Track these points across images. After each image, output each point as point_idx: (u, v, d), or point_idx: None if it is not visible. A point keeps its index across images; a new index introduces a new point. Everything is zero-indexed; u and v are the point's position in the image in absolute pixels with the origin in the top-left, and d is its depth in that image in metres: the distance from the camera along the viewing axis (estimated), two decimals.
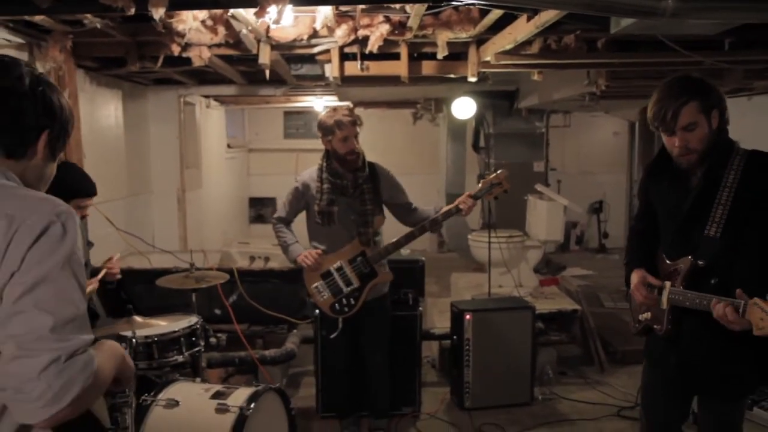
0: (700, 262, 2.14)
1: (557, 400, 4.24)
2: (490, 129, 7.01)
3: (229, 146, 8.74)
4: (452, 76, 4.37)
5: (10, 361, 1.11)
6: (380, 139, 9.67)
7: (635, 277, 2.36)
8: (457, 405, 4.12)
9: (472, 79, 4.15)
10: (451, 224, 7.49)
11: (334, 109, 3.31)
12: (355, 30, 3.68)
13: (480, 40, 3.94)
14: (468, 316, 4.02)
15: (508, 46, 3.40)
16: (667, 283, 2.25)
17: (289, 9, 3.02)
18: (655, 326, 2.31)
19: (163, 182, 5.89)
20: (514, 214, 6.02)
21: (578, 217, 9.16)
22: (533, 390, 4.18)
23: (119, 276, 3.14)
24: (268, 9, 2.36)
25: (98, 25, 3.35)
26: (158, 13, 2.44)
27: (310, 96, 7.09)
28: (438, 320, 4.79)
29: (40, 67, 3.77)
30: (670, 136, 2.15)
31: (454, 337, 4.14)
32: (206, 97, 6.94)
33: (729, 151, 2.16)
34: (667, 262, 2.28)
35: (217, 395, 2.75)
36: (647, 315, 2.36)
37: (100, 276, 3.00)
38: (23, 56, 3.65)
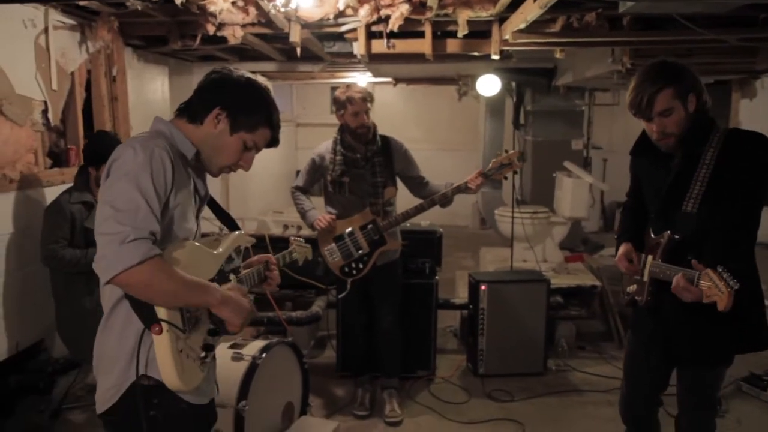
0: (677, 237, 2.24)
1: (571, 371, 4.36)
2: (528, 106, 7.04)
3: None
4: (476, 53, 4.47)
5: (97, 243, 1.54)
6: (426, 116, 9.80)
7: (621, 249, 2.48)
8: (471, 371, 4.31)
9: (495, 57, 4.25)
10: (488, 201, 7.62)
11: (348, 86, 3.52)
12: (377, 9, 3.84)
13: (502, 19, 4.02)
14: (483, 287, 4.19)
15: (522, 25, 3.48)
16: (650, 257, 2.36)
17: None
18: (637, 297, 2.43)
19: None
20: (549, 191, 6.07)
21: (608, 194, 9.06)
22: (546, 361, 4.32)
23: None
24: None
25: (139, 7, 3.63)
26: None
27: (353, 72, 7.26)
28: (462, 291, 4.96)
29: (91, 46, 4.11)
30: (647, 122, 2.23)
31: (470, 306, 4.32)
32: (253, 72, 7.21)
33: (708, 130, 2.22)
34: (652, 236, 2.38)
35: (234, 346, 3.04)
36: (633, 287, 2.47)
37: None
38: (76, 36, 3.99)
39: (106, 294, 1.69)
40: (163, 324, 1.58)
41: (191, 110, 1.76)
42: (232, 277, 1.86)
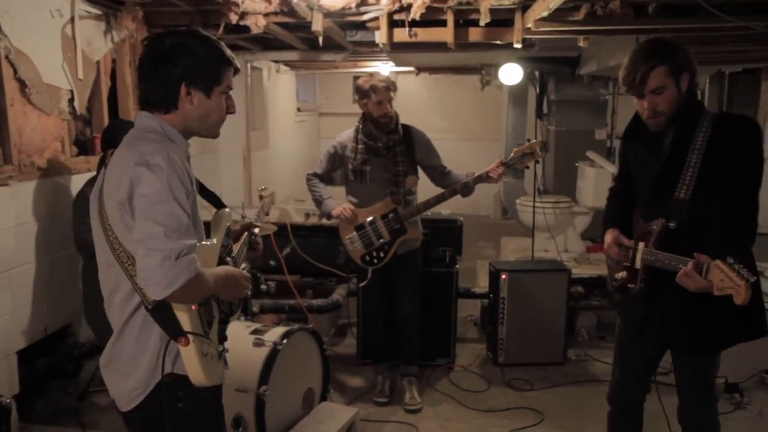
0: (671, 224, 2.20)
1: (591, 362, 4.35)
2: (551, 95, 6.98)
3: (299, 110, 9.09)
4: (499, 42, 4.45)
5: (141, 259, 1.53)
6: (448, 105, 9.76)
7: (609, 236, 2.43)
8: (491, 360, 4.32)
9: (517, 46, 4.22)
10: (510, 190, 7.60)
11: (371, 75, 3.53)
12: None
13: (525, 7, 3.99)
14: (504, 276, 4.18)
15: (545, 13, 3.45)
16: (641, 244, 2.30)
17: None
18: (629, 285, 2.36)
19: (229, 143, 6.27)
20: (572, 181, 6.03)
21: None
22: (567, 350, 4.31)
23: None
24: None
25: None
26: None
27: (375, 61, 7.26)
28: (483, 281, 4.96)
29: (116, 36, 4.17)
30: (639, 99, 2.20)
31: (491, 295, 4.32)
32: (276, 62, 7.24)
33: (698, 114, 2.20)
34: (642, 222, 2.34)
35: (255, 332, 3.08)
36: (623, 274, 2.40)
37: None
38: (101, 26, 4.04)
39: (116, 307, 1.71)
40: (189, 336, 1.62)
41: (156, 102, 1.69)
42: (228, 259, 1.90)
